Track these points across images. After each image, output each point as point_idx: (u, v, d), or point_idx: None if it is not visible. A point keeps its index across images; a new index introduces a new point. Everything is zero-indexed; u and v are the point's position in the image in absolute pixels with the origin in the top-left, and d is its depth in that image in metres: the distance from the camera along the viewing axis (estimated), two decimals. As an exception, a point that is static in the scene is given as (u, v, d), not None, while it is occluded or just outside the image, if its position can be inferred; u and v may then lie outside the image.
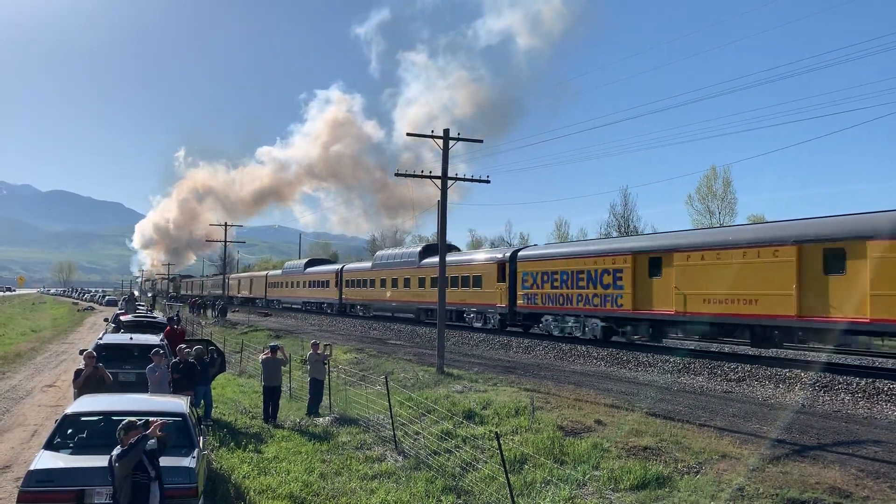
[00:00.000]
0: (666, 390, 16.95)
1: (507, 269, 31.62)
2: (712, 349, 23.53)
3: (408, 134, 22.57)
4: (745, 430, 12.08)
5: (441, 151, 20.71)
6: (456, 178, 21.45)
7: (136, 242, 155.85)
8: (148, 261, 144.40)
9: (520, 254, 31.53)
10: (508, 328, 32.34)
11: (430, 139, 20.94)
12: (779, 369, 18.42)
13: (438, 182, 20.97)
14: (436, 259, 34.71)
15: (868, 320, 16.93)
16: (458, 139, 21.06)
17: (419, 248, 43.16)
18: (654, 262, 23.48)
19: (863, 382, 16.26)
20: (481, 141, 22.43)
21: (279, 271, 72.85)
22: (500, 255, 33.03)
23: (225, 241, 62.70)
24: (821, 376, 17.22)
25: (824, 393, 16.21)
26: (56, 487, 7.62)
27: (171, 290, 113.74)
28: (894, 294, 16.43)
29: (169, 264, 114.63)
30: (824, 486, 8.92)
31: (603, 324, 25.83)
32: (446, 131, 20.87)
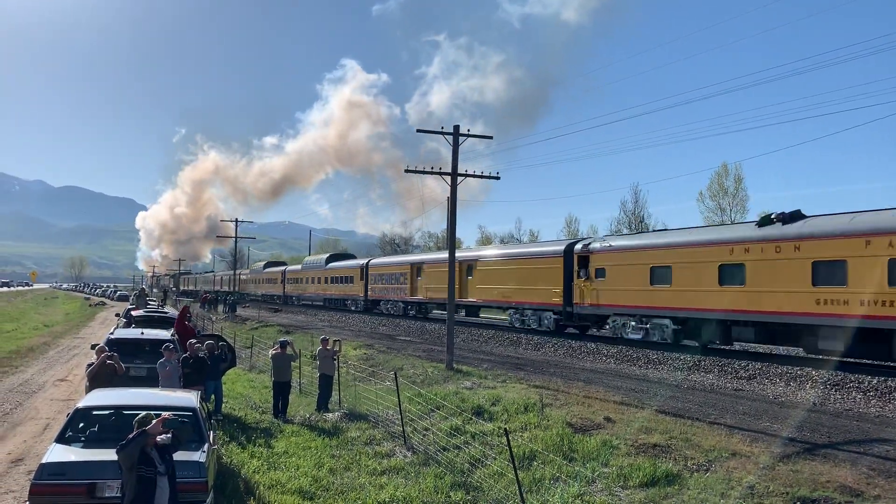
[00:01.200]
0: (676, 388, 16.90)
1: (365, 272, 49.93)
2: (724, 347, 23.41)
3: (418, 130, 22.55)
4: (756, 428, 12.03)
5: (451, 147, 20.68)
6: (465, 175, 21.39)
7: (143, 241, 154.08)
8: (158, 257, 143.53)
9: (370, 262, 50.30)
10: (367, 311, 49.07)
11: (441, 135, 20.92)
12: (790, 367, 18.32)
13: (448, 178, 20.95)
14: (336, 263, 58.08)
15: (477, 300, 35.15)
16: (467, 135, 21.02)
17: (325, 256, 62.94)
18: (418, 270, 42.06)
19: (875, 381, 16.15)
20: (491, 137, 22.42)
21: (248, 270, 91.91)
22: (362, 263, 52.01)
23: (236, 237, 62.90)
24: (832, 374, 17.12)
25: (836, 391, 16.11)
26: (67, 480, 7.68)
27: (171, 286, 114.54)
28: (488, 287, 33.78)
29: (180, 260, 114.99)
30: (835, 484, 8.88)
31: (403, 305, 44.22)
32: (456, 127, 20.84)
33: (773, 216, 20.74)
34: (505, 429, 10.25)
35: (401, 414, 13.80)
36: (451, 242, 22.37)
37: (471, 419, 13.50)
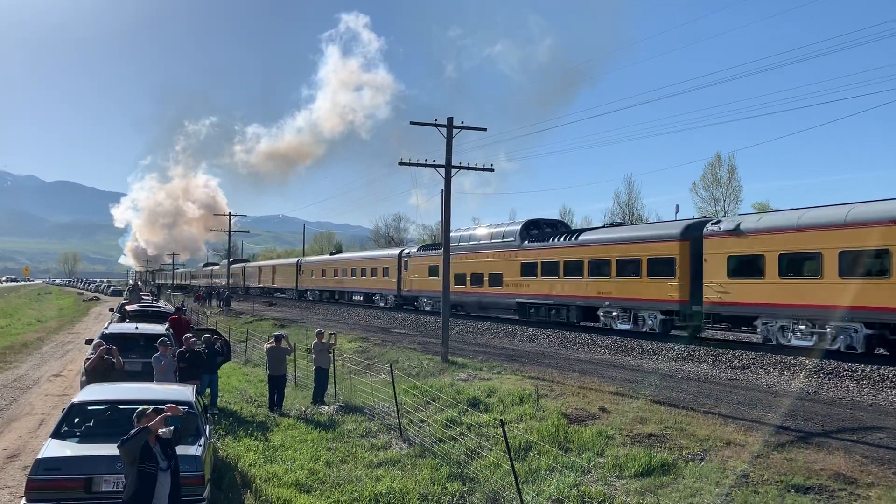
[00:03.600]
0: (670, 378, 16.97)
1: (244, 271, 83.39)
2: (717, 336, 23.53)
3: (411, 122, 22.38)
4: (750, 417, 12.09)
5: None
6: (459, 167, 21.37)
7: (134, 232, 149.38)
8: (147, 247, 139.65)
9: (247, 265, 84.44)
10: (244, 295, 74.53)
11: (435, 127, 20.88)
12: (783, 356, 18.42)
13: (442, 170, 20.91)
14: (234, 266, 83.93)
15: (304, 286, 63.83)
16: (461, 127, 20.98)
17: (231, 260, 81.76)
18: (260, 270, 77.73)
19: (868, 369, 16.25)
20: (485, 129, 22.32)
21: (194, 269, 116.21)
22: (242, 266, 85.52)
23: (230, 231, 62.71)
24: (826, 363, 17.22)
25: (829, 380, 16.21)
26: (64, 475, 7.66)
27: (151, 280, 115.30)
28: (311, 279, 62.38)
29: (174, 254, 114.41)
30: (829, 472, 8.93)
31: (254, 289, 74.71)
32: (450, 119, 20.79)
33: (332, 252, 69.09)
34: (501, 420, 10.28)
35: (396, 406, 13.82)
36: (446, 235, 22.35)
37: (466, 411, 13.53)
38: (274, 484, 10.43)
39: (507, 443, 9.25)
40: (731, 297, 21.19)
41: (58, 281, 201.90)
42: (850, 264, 18.13)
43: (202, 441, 8.62)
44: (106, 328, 17.52)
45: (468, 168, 21.89)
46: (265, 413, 15.64)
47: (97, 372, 11.98)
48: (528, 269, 30.52)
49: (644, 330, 24.65)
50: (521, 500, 8.89)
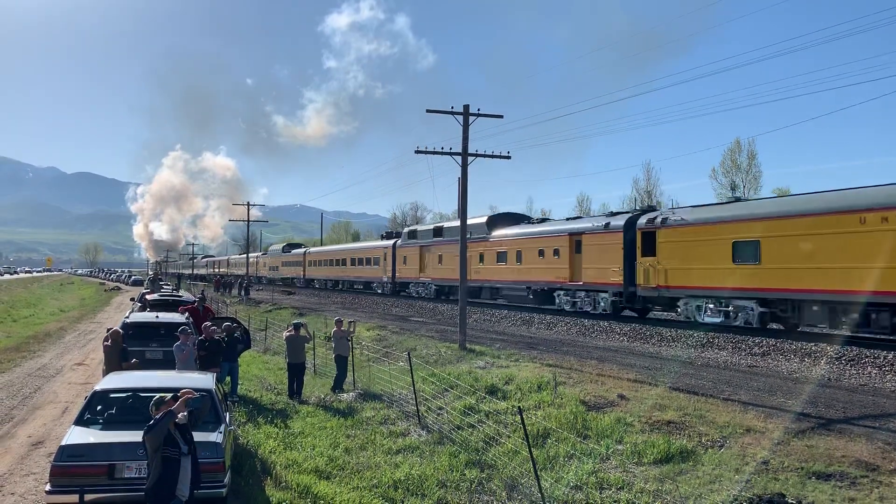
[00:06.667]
0: (689, 365, 16.87)
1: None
2: (735, 324, 23.34)
3: (427, 111, 22.34)
4: (770, 404, 12.01)
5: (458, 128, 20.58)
6: (476, 154, 21.30)
7: (142, 217, 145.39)
8: (164, 235, 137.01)
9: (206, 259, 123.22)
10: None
11: (451, 115, 20.82)
12: (804, 343, 18.25)
13: (459, 158, 20.86)
14: (206, 259, 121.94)
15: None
16: (478, 115, 20.90)
17: (201, 256, 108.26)
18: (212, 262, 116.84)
19: (890, 356, 16.06)
20: (501, 116, 22.21)
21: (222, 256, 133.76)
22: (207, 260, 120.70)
23: (248, 221, 63.06)
24: (847, 350, 17.04)
25: (851, 366, 16.04)
26: (87, 462, 7.77)
27: (159, 271, 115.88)
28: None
29: (193, 245, 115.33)
30: (850, 459, 8.86)
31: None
32: (466, 107, 20.72)
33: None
34: (519, 407, 10.29)
35: (415, 394, 13.88)
36: (463, 223, 22.31)
37: (484, 398, 13.55)
38: (294, 470, 10.52)
39: (525, 430, 9.26)
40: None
41: (80, 271, 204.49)
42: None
43: (222, 428, 8.70)
44: (127, 317, 17.72)
45: (484, 156, 21.82)
46: (285, 401, 15.76)
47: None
48: (286, 264, 73.77)
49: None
50: (540, 487, 8.91)
